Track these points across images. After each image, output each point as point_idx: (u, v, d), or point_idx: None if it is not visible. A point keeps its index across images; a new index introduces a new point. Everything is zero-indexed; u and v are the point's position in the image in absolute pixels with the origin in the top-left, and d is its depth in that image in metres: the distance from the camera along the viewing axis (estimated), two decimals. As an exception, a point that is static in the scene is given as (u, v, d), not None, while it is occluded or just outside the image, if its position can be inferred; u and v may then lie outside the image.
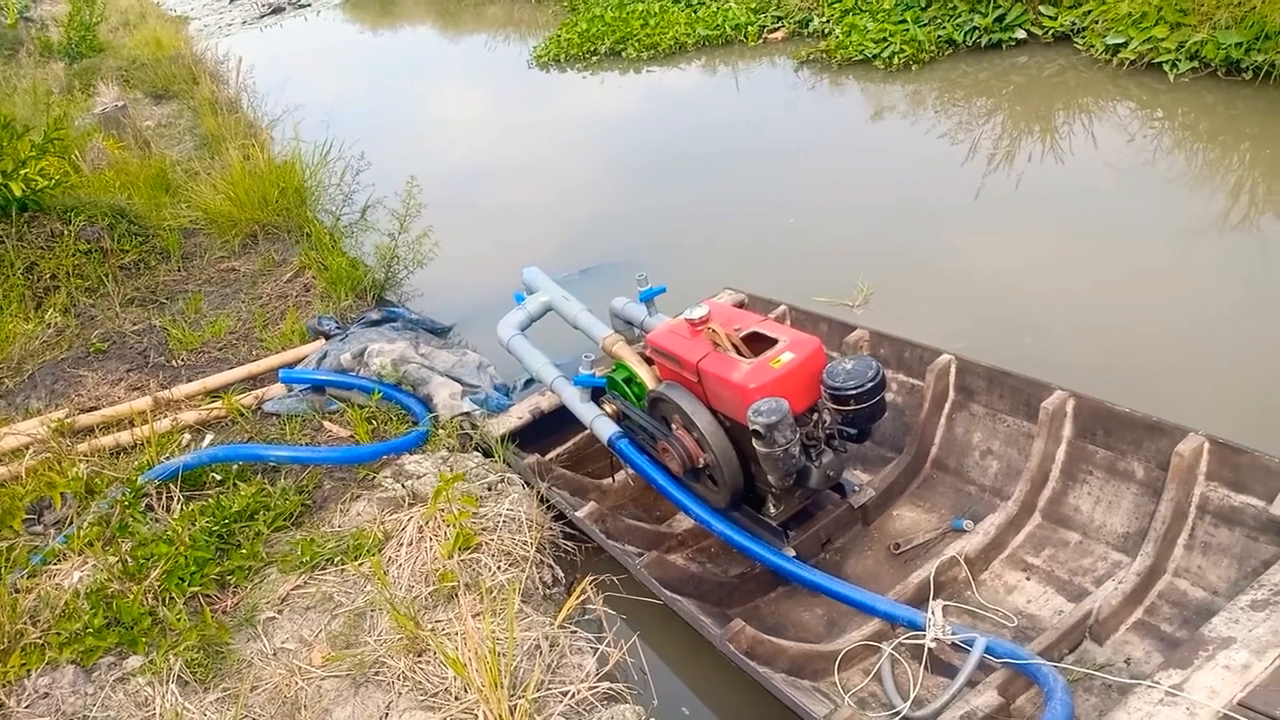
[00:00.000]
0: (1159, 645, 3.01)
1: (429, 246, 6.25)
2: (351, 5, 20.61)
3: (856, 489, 3.86)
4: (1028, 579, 3.43)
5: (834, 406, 3.30)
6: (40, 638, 3.42)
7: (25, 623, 3.45)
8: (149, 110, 11.94)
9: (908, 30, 9.13)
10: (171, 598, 3.58)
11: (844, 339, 4.27)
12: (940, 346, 4.02)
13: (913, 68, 8.90)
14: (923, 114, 8.12)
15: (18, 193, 6.39)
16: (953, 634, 3.06)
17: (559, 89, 11.69)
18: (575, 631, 3.28)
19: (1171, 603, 3.11)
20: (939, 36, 8.98)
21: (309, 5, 21.06)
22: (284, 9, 21.02)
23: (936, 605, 3.17)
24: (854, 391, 3.22)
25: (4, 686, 3.24)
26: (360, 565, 3.67)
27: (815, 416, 3.46)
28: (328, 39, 18.28)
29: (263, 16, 20.66)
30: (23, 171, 6.43)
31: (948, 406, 3.98)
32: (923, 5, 9.36)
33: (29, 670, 3.29)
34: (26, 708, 3.15)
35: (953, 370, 3.96)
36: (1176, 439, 3.17)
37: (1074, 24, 8.36)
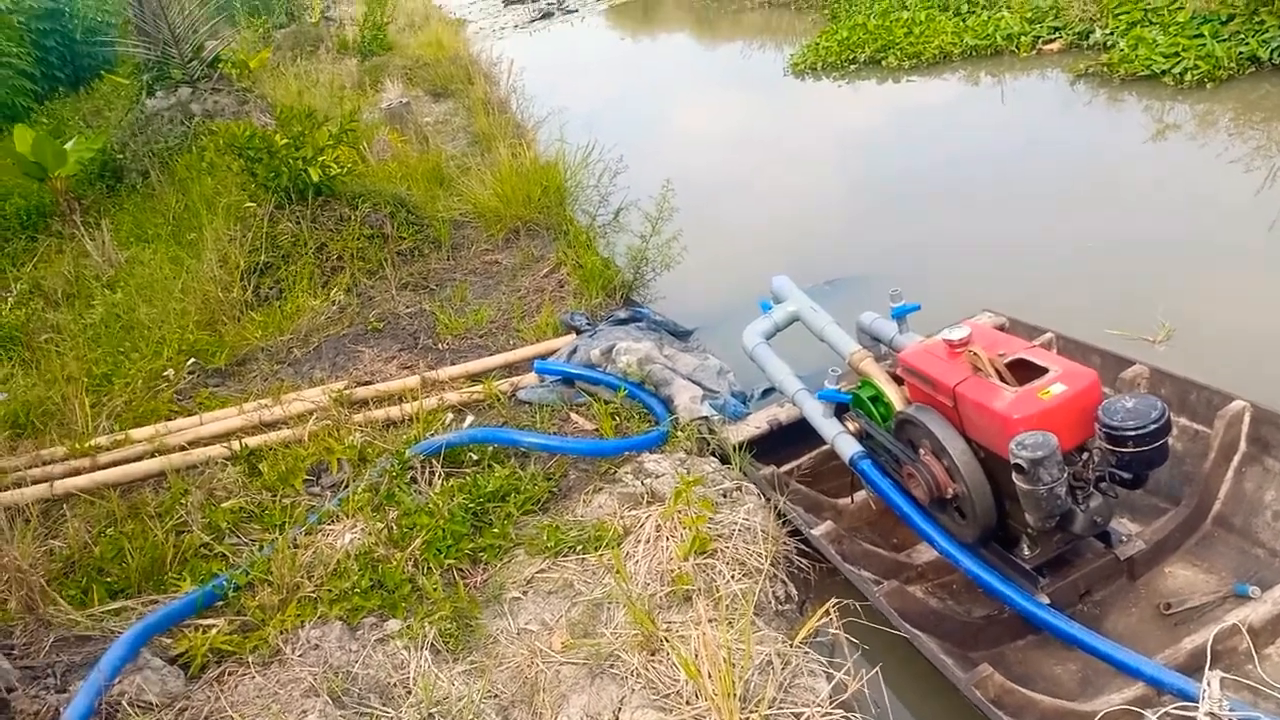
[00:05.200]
0: None
1: (677, 250, 6.35)
2: (614, 12, 21.29)
3: (1124, 539, 3.55)
4: (1325, 661, 3.04)
5: (1108, 447, 3.07)
6: (314, 592, 3.74)
7: (302, 576, 3.79)
8: (428, 107, 12.85)
9: (1204, 45, 8.34)
10: (429, 568, 3.84)
11: (1119, 374, 3.96)
12: (1233, 391, 3.64)
13: (1207, 85, 8.12)
14: (1214, 136, 7.40)
15: (315, 178, 7.05)
16: (1230, 710, 2.76)
17: (815, 97, 11.57)
18: (808, 653, 3.22)
19: None
20: (1240, 53, 8.15)
21: (576, 11, 21.96)
22: (553, 14, 22.03)
23: (1213, 675, 2.87)
24: (1134, 433, 2.99)
25: (282, 634, 3.55)
26: (601, 556, 3.77)
27: (1085, 456, 3.23)
28: (592, 44, 18.99)
29: (533, 21, 21.75)
30: (320, 159, 7.09)
31: (1237, 459, 3.60)
32: (1223, 19, 8.52)
33: (303, 621, 3.59)
34: (300, 656, 3.44)
35: (1246, 418, 3.58)
36: None
37: None
